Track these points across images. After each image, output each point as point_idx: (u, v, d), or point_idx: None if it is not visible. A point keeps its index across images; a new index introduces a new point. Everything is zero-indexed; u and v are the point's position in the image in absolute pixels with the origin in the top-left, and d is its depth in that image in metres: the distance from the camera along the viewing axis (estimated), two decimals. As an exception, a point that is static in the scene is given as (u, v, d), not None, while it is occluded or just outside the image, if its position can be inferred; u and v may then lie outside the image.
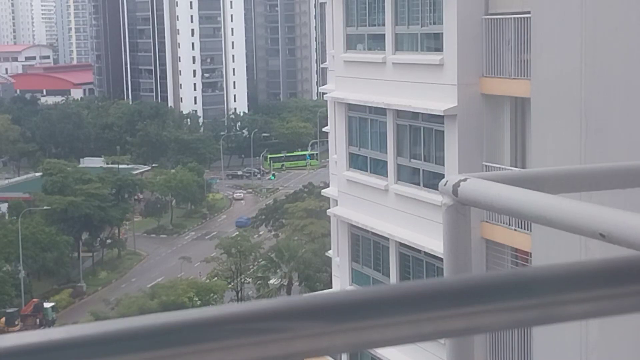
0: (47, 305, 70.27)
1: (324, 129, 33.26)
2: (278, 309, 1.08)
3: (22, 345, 0.98)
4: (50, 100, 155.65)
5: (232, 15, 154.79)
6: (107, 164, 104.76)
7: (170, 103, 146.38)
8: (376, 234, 24.73)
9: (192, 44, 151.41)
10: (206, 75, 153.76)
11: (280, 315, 1.07)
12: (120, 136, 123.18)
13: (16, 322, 66.47)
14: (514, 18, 19.90)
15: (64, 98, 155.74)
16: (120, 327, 1.02)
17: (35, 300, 70.49)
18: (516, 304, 1.20)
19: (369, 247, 25.70)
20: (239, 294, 73.01)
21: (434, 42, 22.47)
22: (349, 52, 25.78)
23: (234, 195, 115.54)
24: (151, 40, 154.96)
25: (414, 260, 23.69)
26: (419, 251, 23.02)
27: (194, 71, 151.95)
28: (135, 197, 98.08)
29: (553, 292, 1.23)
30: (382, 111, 24.10)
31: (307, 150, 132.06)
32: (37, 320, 68.28)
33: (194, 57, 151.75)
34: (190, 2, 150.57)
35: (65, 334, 0.99)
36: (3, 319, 66.25)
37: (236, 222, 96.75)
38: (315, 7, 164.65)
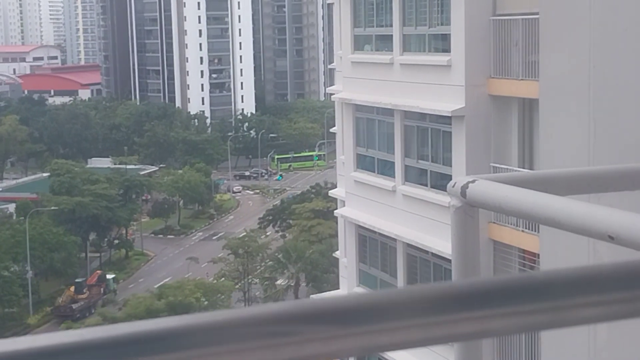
0: (109, 276, 78.01)
1: (331, 130, 33.21)
2: (288, 312, 1.08)
3: (35, 349, 0.99)
4: (58, 100, 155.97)
5: (239, 16, 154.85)
6: (115, 164, 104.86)
7: (178, 104, 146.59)
8: (383, 235, 24.70)
9: (200, 44, 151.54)
10: (214, 76, 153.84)
11: (290, 318, 1.07)
12: (127, 137, 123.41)
13: (84, 291, 73.47)
14: (522, 19, 19.86)
15: (71, 98, 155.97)
16: (132, 331, 1.03)
17: (99, 272, 77.86)
18: (526, 307, 1.20)
19: (376, 248, 25.68)
20: (246, 295, 73.00)
21: (442, 43, 22.44)
22: (356, 53, 25.76)
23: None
24: (159, 41, 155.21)
25: (421, 262, 23.67)
26: (427, 252, 23.00)
27: (202, 72, 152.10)
28: (143, 197, 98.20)
29: (561, 296, 1.23)
30: (389, 112, 24.08)
31: (314, 151, 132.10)
32: (102, 289, 75.65)
33: (201, 58, 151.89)
34: (198, 3, 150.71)
35: (77, 337, 1.00)
36: (72, 288, 72.98)
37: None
38: (322, 7, 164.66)
